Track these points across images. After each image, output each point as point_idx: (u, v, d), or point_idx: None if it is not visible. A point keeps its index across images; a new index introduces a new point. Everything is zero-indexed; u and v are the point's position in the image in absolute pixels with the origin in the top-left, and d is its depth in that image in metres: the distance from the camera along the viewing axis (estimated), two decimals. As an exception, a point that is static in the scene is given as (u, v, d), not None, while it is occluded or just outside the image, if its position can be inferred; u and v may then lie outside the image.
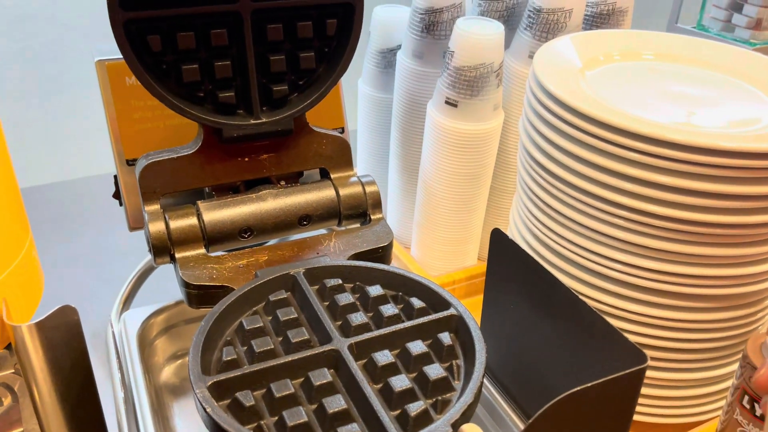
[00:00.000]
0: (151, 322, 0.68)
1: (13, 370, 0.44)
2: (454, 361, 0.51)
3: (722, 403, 0.63)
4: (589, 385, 0.39)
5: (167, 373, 0.70)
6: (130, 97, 0.66)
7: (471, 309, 0.80)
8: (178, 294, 0.71)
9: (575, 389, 0.38)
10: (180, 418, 0.65)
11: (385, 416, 0.44)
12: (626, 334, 0.44)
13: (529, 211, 0.64)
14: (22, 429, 0.55)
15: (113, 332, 0.69)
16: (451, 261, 0.80)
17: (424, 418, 0.45)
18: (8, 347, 0.44)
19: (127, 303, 0.75)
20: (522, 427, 0.57)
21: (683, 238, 0.53)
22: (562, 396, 0.39)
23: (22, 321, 0.44)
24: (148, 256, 0.77)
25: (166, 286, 0.74)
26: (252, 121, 0.60)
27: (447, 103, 0.68)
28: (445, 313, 0.53)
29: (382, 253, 0.64)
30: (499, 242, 0.56)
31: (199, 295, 0.58)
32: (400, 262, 0.83)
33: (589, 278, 0.58)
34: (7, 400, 0.56)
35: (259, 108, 0.60)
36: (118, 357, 0.66)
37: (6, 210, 0.42)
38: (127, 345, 0.65)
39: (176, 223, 0.59)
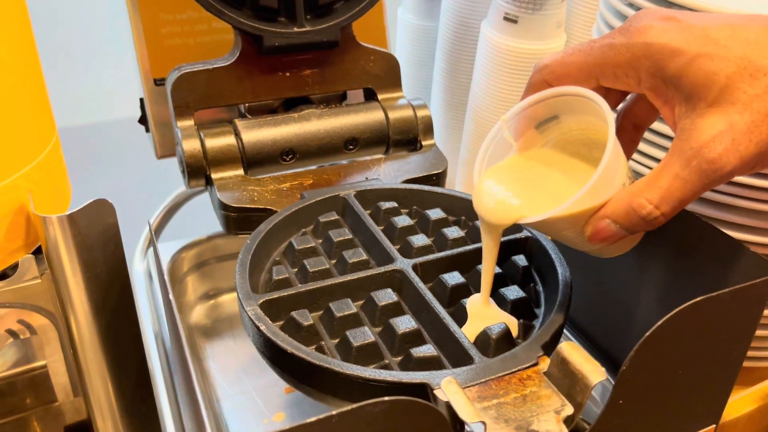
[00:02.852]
0: (182, 256, 0.63)
1: (37, 275, 0.39)
2: (532, 285, 0.45)
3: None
4: (713, 294, 0.33)
5: (198, 314, 0.64)
6: (158, 10, 0.60)
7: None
8: (208, 229, 0.66)
9: (697, 299, 0.32)
10: (213, 361, 0.60)
11: (464, 338, 0.38)
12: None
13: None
14: (44, 362, 0.50)
15: (141, 270, 0.64)
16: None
17: (507, 341, 0.39)
18: (35, 252, 0.39)
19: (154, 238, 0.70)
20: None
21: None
22: (681, 308, 0.33)
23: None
24: (175, 192, 0.72)
25: (194, 226, 0.68)
26: (295, 29, 0.54)
27: (506, 19, 0.62)
28: (518, 235, 0.48)
29: (436, 181, 0.58)
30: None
31: (238, 218, 0.52)
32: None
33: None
34: (26, 335, 0.51)
35: (303, 15, 0.54)
36: (165, 288, 0.60)
37: (30, 98, 0.37)
38: (159, 276, 0.60)
39: (212, 142, 0.54)
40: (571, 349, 0.35)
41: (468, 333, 0.39)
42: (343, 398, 0.37)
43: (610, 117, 0.36)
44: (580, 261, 0.49)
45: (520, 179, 0.41)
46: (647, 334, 0.32)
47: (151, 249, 0.64)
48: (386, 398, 0.27)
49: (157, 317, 0.60)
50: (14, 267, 0.39)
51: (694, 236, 0.41)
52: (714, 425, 0.41)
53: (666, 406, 0.37)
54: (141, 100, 0.63)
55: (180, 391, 0.52)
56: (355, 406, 0.26)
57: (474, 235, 0.49)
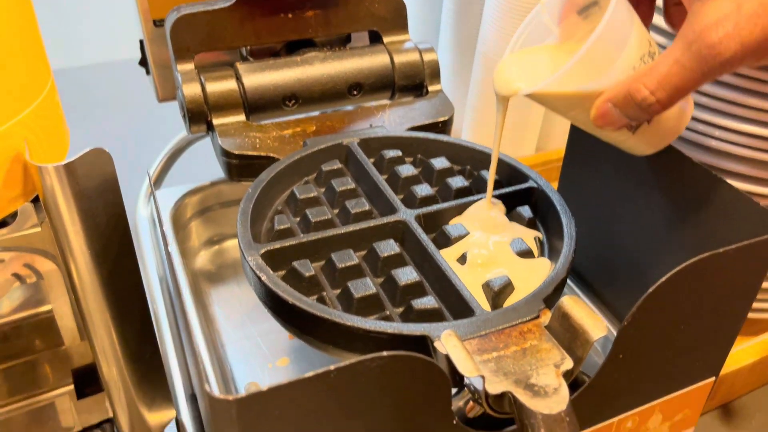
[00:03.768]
0: (185, 202, 0.62)
1: (37, 223, 0.38)
2: (536, 236, 0.45)
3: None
4: (722, 250, 0.33)
5: (203, 260, 0.65)
6: (157, -53, 0.58)
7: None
8: (211, 174, 0.65)
9: (709, 253, 0.32)
10: (218, 306, 0.61)
11: (465, 289, 0.38)
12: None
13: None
14: (50, 307, 0.51)
15: (145, 215, 0.63)
16: (507, 148, 0.72)
17: (509, 292, 0.39)
18: (34, 201, 0.38)
19: (157, 184, 0.70)
20: (595, 309, 0.51)
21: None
22: (683, 265, 0.32)
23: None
24: (178, 136, 0.71)
25: (197, 172, 0.68)
26: (298, -31, 0.52)
27: (518, -43, 0.59)
28: (523, 185, 0.47)
29: (441, 128, 0.57)
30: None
31: (240, 165, 0.51)
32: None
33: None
34: (32, 279, 0.51)
35: (306, -47, 0.52)
36: (161, 237, 0.60)
37: (22, 41, 0.35)
38: (159, 227, 0.60)
39: (213, 86, 0.52)
40: (572, 303, 0.34)
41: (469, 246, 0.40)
42: (344, 348, 0.37)
43: None
44: (586, 212, 0.49)
45: (545, 62, 0.40)
46: (649, 291, 0.32)
47: (156, 192, 0.63)
48: (384, 353, 0.27)
49: (162, 262, 0.60)
50: (14, 215, 0.39)
51: (702, 189, 0.40)
52: (714, 377, 0.41)
53: (666, 360, 0.37)
54: (141, 41, 0.61)
55: (184, 336, 0.53)
56: (353, 361, 0.26)
57: (479, 185, 0.48)
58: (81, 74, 1.00)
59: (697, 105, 0.49)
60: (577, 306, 0.34)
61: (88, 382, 0.50)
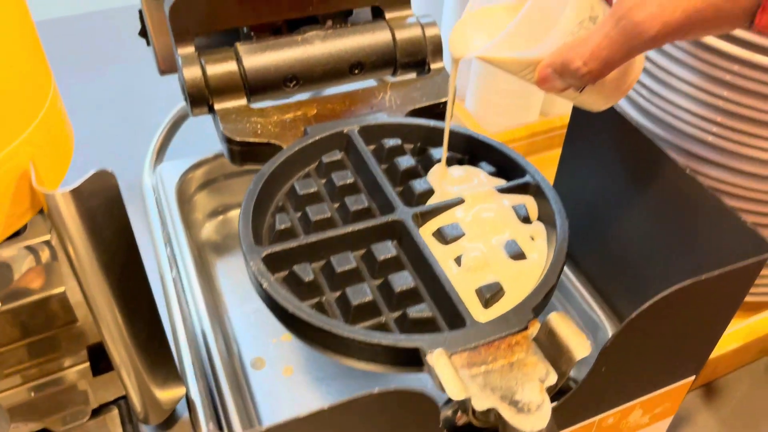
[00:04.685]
0: (190, 176, 0.63)
1: (48, 236, 0.40)
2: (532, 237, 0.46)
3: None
4: (704, 277, 0.34)
5: (208, 230, 0.66)
6: None
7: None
8: (216, 145, 0.66)
9: (692, 280, 0.33)
10: (224, 278, 0.63)
11: (458, 297, 0.40)
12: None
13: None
14: (63, 289, 0.53)
15: (151, 185, 0.65)
16: (511, 116, 0.72)
17: (500, 296, 0.41)
18: (41, 211, 0.40)
19: (161, 153, 0.70)
20: (596, 305, 0.53)
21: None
22: (673, 289, 0.34)
23: (53, 183, 0.39)
24: (182, 102, 0.71)
25: (202, 136, 0.68)
26: (298, -54, 0.51)
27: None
28: (520, 180, 0.48)
29: (443, 109, 0.57)
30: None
31: (242, 151, 0.52)
32: (455, 117, 0.75)
33: (690, 147, 0.51)
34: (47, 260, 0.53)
35: (306, -70, 0.51)
36: (161, 212, 0.62)
37: (23, 53, 0.36)
38: (165, 200, 0.61)
39: (214, 69, 0.52)
40: (559, 320, 0.36)
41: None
42: (342, 354, 0.39)
43: None
44: (585, 204, 0.50)
45: (500, 23, 0.41)
46: (631, 316, 0.34)
47: (159, 166, 0.64)
48: (375, 390, 0.29)
49: (167, 232, 0.61)
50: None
51: (693, 200, 0.41)
52: (694, 376, 0.43)
53: (647, 368, 0.39)
54: (140, 12, 0.61)
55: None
56: (345, 400, 0.28)
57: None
58: (81, 23, 0.99)
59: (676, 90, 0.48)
60: (564, 323, 0.36)
61: (102, 358, 0.53)
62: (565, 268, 0.55)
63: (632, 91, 0.53)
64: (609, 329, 0.51)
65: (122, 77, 0.91)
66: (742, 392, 0.55)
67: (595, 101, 0.42)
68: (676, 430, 0.52)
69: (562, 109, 0.76)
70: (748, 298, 0.56)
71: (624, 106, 0.55)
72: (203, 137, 0.68)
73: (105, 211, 0.36)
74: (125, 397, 0.51)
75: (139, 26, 0.62)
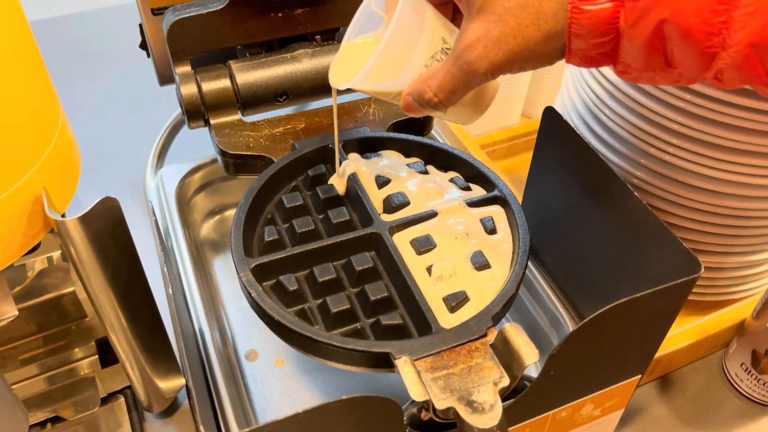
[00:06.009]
0: (188, 180, 0.68)
1: (59, 251, 0.45)
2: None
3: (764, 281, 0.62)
4: (639, 295, 0.38)
5: (206, 229, 0.71)
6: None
7: (512, 169, 0.78)
8: (212, 149, 0.70)
9: (628, 298, 0.38)
10: (221, 273, 0.68)
11: (426, 305, 0.44)
12: (676, 231, 0.42)
13: (583, 79, 0.59)
14: (73, 288, 0.58)
15: (153, 188, 0.69)
16: (493, 119, 0.76)
17: (465, 303, 0.45)
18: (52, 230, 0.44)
19: (161, 155, 0.75)
20: (559, 305, 0.58)
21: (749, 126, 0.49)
22: (611, 305, 0.38)
23: (63, 203, 0.43)
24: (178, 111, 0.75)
25: (202, 136, 0.72)
26: (285, -28, 0.54)
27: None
28: (489, 194, 0.52)
29: (424, 122, 0.61)
30: (551, 121, 0.53)
31: (236, 163, 0.56)
32: (436, 123, 0.79)
33: (640, 159, 0.55)
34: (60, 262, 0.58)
35: (294, -44, 0.54)
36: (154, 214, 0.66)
37: (35, 91, 0.40)
38: (165, 203, 0.66)
39: (209, 86, 0.56)
40: (513, 330, 0.41)
41: None
42: (323, 357, 0.44)
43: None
44: (551, 213, 0.54)
45: (370, 54, 0.45)
46: (572, 330, 0.38)
47: (161, 169, 0.69)
48: (345, 397, 0.33)
49: (168, 232, 0.66)
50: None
51: (640, 221, 0.45)
52: (640, 375, 0.48)
53: (594, 370, 0.44)
54: (140, 26, 0.64)
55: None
56: (318, 405, 0.33)
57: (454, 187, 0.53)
58: (83, 22, 1.02)
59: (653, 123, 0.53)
60: (516, 334, 0.40)
61: (110, 350, 0.58)
62: (533, 269, 0.60)
63: (596, 110, 0.57)
64: (570, 326, 0.56)
65: (123, 77, 0.94)
66: (695, 384, 0.60)
67: (459, 119, 0.48)
68: (631, 419, 0.57)
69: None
70: (700, 299, 0.61)
71: (591, 123, 0.59)
72: (203, 137, 0.72)
73: (110, 232, 0.41)
74: (130, 387, 0.57)
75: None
